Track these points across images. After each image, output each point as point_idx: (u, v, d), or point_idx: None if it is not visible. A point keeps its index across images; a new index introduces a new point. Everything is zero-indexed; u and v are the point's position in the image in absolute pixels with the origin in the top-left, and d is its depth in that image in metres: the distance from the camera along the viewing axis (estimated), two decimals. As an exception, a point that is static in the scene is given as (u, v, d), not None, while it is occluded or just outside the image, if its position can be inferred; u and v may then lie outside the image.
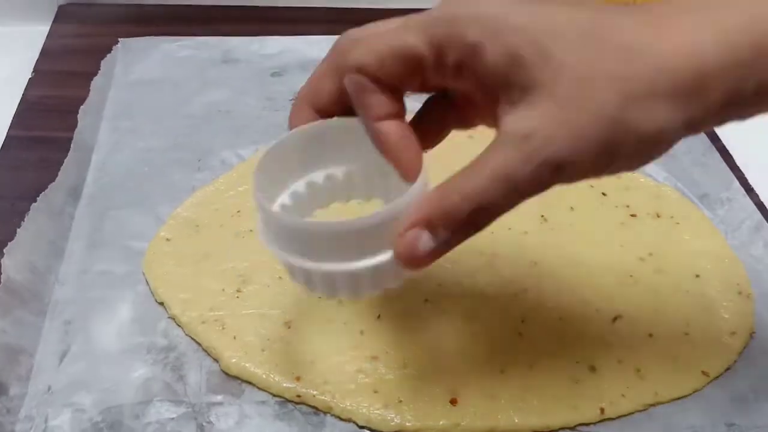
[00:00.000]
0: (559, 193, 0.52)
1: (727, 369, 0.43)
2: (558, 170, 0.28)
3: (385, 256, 0.30)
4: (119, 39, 0.66)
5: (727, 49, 0.27)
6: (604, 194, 0.53)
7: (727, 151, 0.58)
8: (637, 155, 0.29)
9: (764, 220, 0.52)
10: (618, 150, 0.28)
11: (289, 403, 0.41)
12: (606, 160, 0.28)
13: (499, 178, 0.28)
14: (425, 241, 0.29)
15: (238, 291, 0.45)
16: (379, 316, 0.44)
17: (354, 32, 0.32)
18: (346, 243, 0.30)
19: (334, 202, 0.37)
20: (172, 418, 0.39)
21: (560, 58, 0.27)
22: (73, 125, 0.55)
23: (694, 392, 0.42)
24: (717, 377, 0.42)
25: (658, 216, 0.51)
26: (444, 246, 0.29)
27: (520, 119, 0.28)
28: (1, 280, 0.42)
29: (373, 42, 0.30)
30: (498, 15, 0.28)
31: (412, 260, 0.29)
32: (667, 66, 0.27)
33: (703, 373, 0.42)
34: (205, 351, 0.42)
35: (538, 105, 0.27)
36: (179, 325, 0.44)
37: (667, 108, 0.27)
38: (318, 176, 0.36)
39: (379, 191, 0.36)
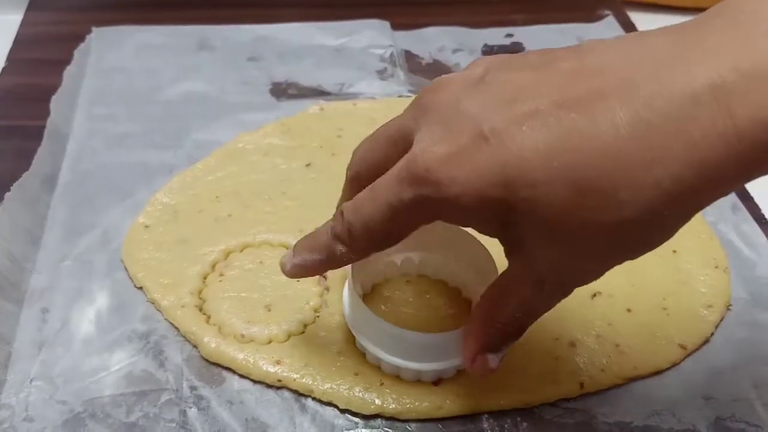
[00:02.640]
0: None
1: (705, 342, 0.43)
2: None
3: (452, 363, 0.39)
4: (93, 28, 0.65)
5: None
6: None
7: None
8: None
9: (741, 195, 0.52)
10: None
11: (270, 387, 0.40)
12: None
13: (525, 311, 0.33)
14: (492, 359, 0.34)
15: (219, 275, 0.45)
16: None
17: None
18: (423, 349, 0.38)
19: (403, 277, 0.46)
20: (155, 406, 0.39)
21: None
22: (48, 114, 0.54)
23: (672, 366, 0.42)
24: (694, 351, 0.43)
25: (636, 194, 0.52)
26: (504, 354, 0.35)
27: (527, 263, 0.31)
28: (-22, 268, 0.42)
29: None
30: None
31: (487, 374, 0.34)
32: None
33: (681, 346, 0.43)
34: (184, 336, 0.42)
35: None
36: (159, 310, 0.44)
37: None
38: (397, 258, 0.44)
39: (445, 275, 0.45)
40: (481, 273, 0.40)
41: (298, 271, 0.37)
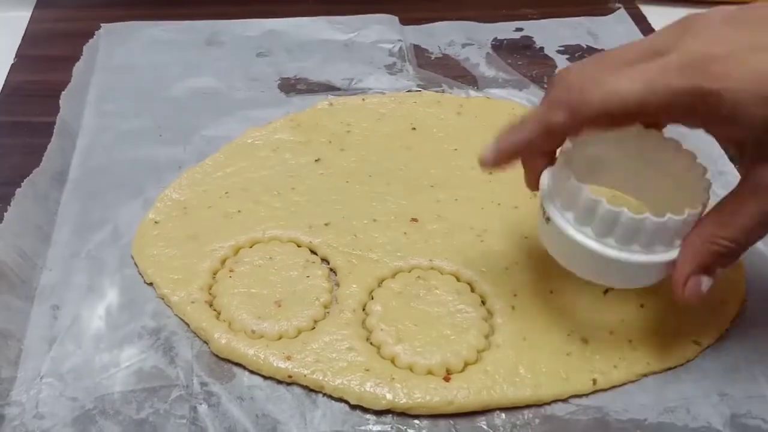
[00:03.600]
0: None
1: (719, 338, 0.43)
2: None
3: (665, 256, 0.35)
4: (101, 24, 0.65)
5: None
6: (593, 168, 0.53)
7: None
8: None
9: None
10: None
11: (280, 383, 0.40)
12: None
13: (759, 224, 0.33)
14: (705, 282, 0.34)
15: (229, 271, 0.45)
16: (371, 296, 0.44)
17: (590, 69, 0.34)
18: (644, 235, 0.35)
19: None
20: (165, 403, 0.39)
21: None
22: (57, 110, 0.54)
23: (686, 362, 0.42)
24: (709, 346, 0.42)
25: (649, 188, 0.51)
26: (717, 280, 0.35)
27: None
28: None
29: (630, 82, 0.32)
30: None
31: (698, 299, 0.35)
32: None
33: (695, 342, 0.42)
34: (194, 332, 0.42)
35: None
36: (168, 305, 0.43)
37: None
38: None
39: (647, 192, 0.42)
40: (692, 192, 0.37)
41: (504, 154, 0.37)
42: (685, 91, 0.31)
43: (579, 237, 0.36)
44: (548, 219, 0.37)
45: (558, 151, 0.38)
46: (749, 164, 0.33)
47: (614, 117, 0.33)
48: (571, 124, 0.34)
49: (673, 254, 0.36)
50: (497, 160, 0.37)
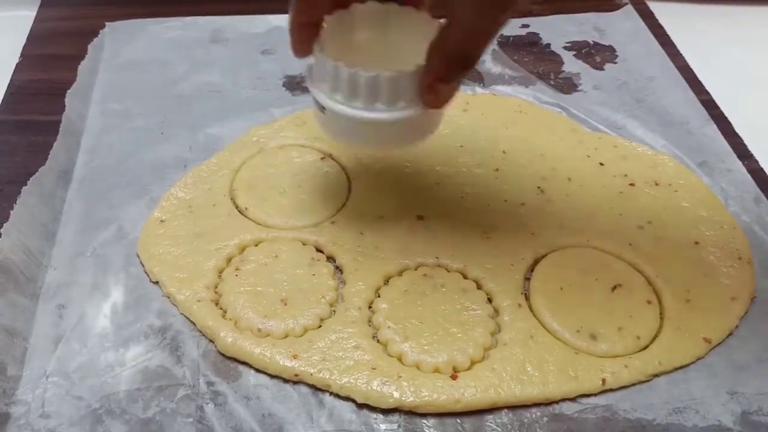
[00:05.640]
0: (555, 164, 0.52)
1: (729, 335, 0.43)
2: None
3: (410, 112, 0.39)
4: (106, 23, 0.65)
5: None
6: (601, 164, 0.52)
7: (726, 117, 0.57)
8: None
9: (763, 185, 0.51)
10: None
11: (287, 382, 0.40)
12: None
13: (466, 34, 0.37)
14: (444, 89, 0.38)
15: (235, 269, 0.45)
16: (378, 294, 0.44)
17: None
18: (385, 90, 0.38)
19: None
20: (172, 401, 0.39)
21: None
22: (62, 109, 0.54)
23: (696, 360, 0.41)
24: (719, 344, 0.42)
25: (657, 184, 0.51)
26: (456, 87, 0.39)
27: None
28: (-2, 260, 0.42)
29: None
30: None
31: (439, 104, 0.39)
32: None
33: (705, 339, 0.42)
34: (200, 331, 0.42)
35: None
36: (174, 304, 0.43)
37: None
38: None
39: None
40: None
41: (293, 34, 0.40)
42: None
43: (352, 113, 0.39)
44: (323, 108, 0.40)
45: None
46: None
47: None
48: None
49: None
50: (294, 42, 0.40)
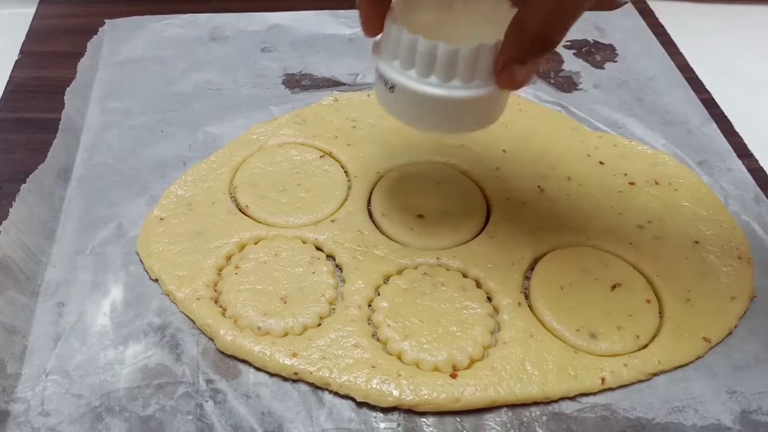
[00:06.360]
0: (555, 163, 0.52)
1: (729, 334, 0.43)
2: None
3: (484, 90, 0.38)
4: (105, 20, 0.65)
5: None
6: (601, 163, 0.52)
7: (726, 116, 0.57)
8: None
9: (763, 184, 0.51)
10: None
11: (286, 381, 0.40)
12: None
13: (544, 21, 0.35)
14: (518, 69, 0.37)
15: (235, 267, 0.45)
16: (377, 292, 0.44)
17: None
18: (463, 66, 0.37)
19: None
20: (172, 399, 0.39)
21: None
22: (61, 106, 0.54)
23: (696, 359, 0.41)
24: (718, 343, 0.42)
25: (657, 183, 0.51)
26: (533, 69, 0.38)
27: None
28: (-2, 257, 0.42)
29: None
30: None
31: (513, 84, 0.38)
32: None
33: (705, 339, 0.42)
34: (200, 329, 0.42)
35: None
36: (174, 302, 0.43)
37: None
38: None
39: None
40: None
41: (363, 13, 0.39)
42: None
43: (424, 89, 0.38)
44: (392, 87, 0.39)
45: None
46: None
47: None
48: None
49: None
50: (366, 17, 0.39)
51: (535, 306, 0.43)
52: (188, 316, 0.43)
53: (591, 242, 0.47)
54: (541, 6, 0.35)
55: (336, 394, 0.40)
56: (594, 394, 0.40)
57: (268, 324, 0.42)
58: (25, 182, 0.47)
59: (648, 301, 0.43)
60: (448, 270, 0.45)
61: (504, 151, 0.53)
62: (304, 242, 0.47)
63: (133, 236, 0.47)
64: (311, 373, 0.40)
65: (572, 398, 0.40)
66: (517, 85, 0.38)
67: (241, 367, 0.41)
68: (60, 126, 0.52)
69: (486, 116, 0.41)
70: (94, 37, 0.63)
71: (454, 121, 0.40)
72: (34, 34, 0.65)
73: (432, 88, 0.37)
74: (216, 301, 0.43)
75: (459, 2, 0.41)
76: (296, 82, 0.60)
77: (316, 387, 0.40)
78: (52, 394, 0.39)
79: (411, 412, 0.39)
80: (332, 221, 0.48)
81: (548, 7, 0.35)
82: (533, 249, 0.46)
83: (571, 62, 0.63)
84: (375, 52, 0.40)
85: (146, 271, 0.45)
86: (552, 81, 0.61)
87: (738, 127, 0.56)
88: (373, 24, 0.39)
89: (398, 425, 0.39)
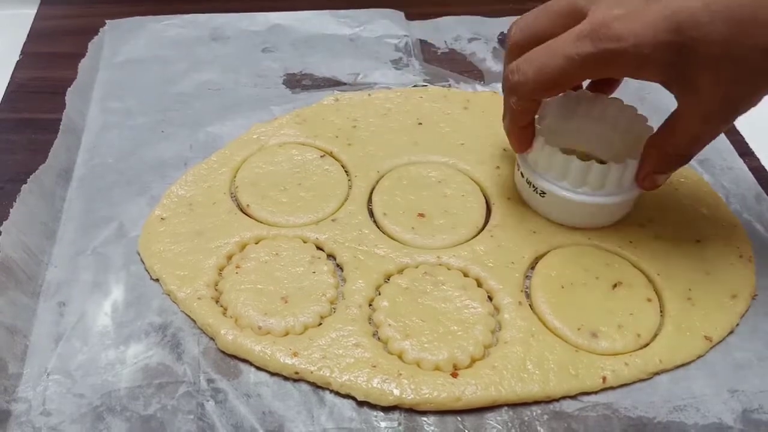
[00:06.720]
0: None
1: (730, 333, 0.43)
2: None
3: (628, 196, 0.45)
4: (106, 20, 0.65)
5: None
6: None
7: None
8: None
9: (764, 183, 0.51)
10: None
11: (287, 380, 0.40)
12: None
13: (693, 138, 0.40)
14: (659, 178, 0.43)
15: (236, 267, 0.45)
16: (378, 292, 0.44)
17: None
18: (611, 178, 0.44)
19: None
20: (173, 399, 0.39)
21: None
22: (62, 107, 0.54)
23: (697, 358, 0.41)
24: (720, 342, 0.42)
25: (657, 182, 0.51)
26: (670, 174, 0.44)
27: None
28: (-1, 257, 0.42)
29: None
30: None
31: (653, 188, 0.44)
32: None
33: (706, 338, 0.42)
34: (201, 329, 0.42)
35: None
36: (175, 302, 0.43)
37: None
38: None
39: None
40: (638, 136, 0.45)
41: (512, 138, 0.46)
42: (596, 57, 0.37)
43: (579, 198, 0.45)
44: (543, 193, 0.46)
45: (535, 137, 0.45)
46: (675, 94, 0.39)
47: (548, 88, 0.40)
48: (522, 101, 0.41)
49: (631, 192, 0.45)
50: (517, 143, 0.46)
51: (536, 305, 0.43)
52: (189, 316, 0.43)
53: (592, 241, 0.47)
54: (683, 132, 0.40)
55: (337, 393, 0.40)
56: (595, 393, 0.40)
57: (268, 323, 0.42)
58: (26, 182, 0.47)
59: (649, 300, 0.43)
60: (448, 269, 0.45)
61: (504, 149, 0.53)
62: (304, 242, 0.47)
63: (134, 236, 0.47)
64: (312, 372, 0.40)
65: (573, 397, 0.40)
66: (657, 187, 0.44)
67: (242, 366, 0.41)
68: (61, 126, 0.52)
69: (627, 209, 0.48)
70: (95, 37, 0.63)
71: (599, 217, 0.47)
72: (35, 35, 0.65)
73: (586, 197, 0.45)
74: (217, 301, 0.43)
75: (582, 104, 0.48)
76: (297, 82, 0.60)
77: (316, 386, 0.40)
78: (53, 394, 0.39)
79: (412, 411, 0.39)
80: (333, 221, 0.48)
81: (690, 133, 0.39)
82: (534, 248, 0.46)
83: (571, 61, 0.63)
84: (522, 163, 0.47)
85: (147, 270, 0.45)
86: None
87: (739, 126, 0.56)
88: (524, 145, 0.45)
89: (399, 424, 0.39)
